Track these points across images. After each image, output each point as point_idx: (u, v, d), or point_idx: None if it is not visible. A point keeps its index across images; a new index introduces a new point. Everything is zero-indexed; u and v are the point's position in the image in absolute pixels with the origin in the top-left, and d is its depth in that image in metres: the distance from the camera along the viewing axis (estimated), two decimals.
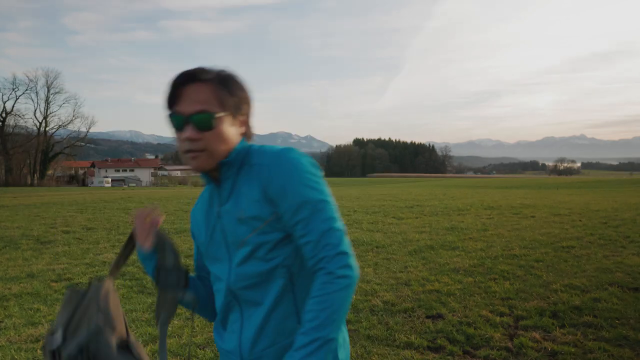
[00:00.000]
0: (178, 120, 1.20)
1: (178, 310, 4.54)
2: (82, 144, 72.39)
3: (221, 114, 1.20)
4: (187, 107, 1.19)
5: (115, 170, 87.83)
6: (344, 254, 1.12)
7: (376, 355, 3.41)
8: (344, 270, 1.10)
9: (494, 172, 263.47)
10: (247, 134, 1.29)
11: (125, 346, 1.22)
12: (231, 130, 1.24)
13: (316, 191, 1.16)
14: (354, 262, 1.14)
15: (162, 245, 1.30)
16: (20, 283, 5.62)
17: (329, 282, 1.09)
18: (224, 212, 1.24)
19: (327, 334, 1.07)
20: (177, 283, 1.28)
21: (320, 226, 1.13)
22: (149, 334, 3.84)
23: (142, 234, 1.31)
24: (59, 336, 1.19)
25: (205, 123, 1.18)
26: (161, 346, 1.26)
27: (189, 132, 1.18)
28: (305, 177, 1.17)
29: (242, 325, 1.25)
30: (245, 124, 1.29)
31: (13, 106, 68.68)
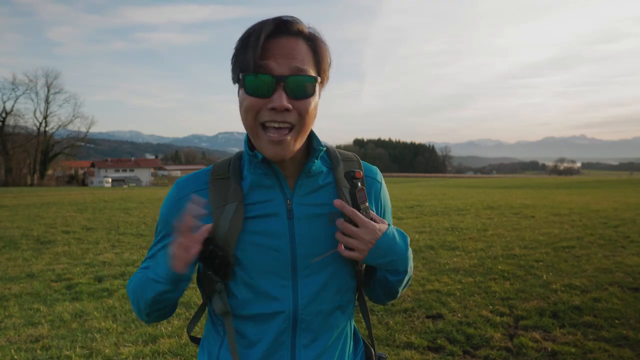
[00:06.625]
0: (265, 82, 0.90)
1: (178, 310, 4.46)
2: (82, 144, 72.35)
3: (318, 80, 0.95)
4: (280, 64, 0.90)
5: (115, 170, 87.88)
6: None
7: None
8: None
9: (494, 172, 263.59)
10: None
11: None
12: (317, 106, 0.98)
13: None
14: None
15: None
16: (20, 283, 5.61)
17: None
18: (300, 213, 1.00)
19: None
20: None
21: None
22: (149, 334, 3.83)
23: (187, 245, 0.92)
24: None
25: (304, 88, 0.91)
26: None
27: (281, 99, 0.89)
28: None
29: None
30: None
31: (13, 106, 69.00)
